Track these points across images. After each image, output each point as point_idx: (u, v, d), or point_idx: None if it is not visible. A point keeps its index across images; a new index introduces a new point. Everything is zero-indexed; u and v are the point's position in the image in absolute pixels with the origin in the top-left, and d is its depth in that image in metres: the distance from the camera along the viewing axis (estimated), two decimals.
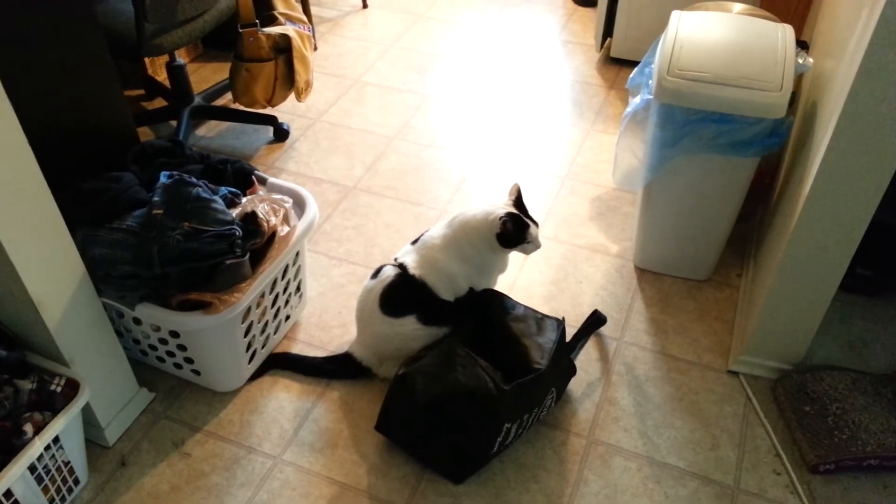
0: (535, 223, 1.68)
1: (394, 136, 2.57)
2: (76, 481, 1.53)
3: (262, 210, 1.57)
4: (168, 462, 1.61)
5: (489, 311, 1.69)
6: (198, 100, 2.50)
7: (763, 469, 1.62)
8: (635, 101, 1.87)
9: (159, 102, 2.64)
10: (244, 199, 1.67)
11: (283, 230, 1.59)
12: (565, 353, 1.71)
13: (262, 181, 1.80)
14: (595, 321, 1.87)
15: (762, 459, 1.63)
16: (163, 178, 1.58)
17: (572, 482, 1.59)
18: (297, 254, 1.75)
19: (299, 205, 1.75)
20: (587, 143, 2.55)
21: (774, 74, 1.64)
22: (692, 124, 1.70)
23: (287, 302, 1.79)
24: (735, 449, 1.65)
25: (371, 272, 1.75)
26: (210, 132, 2.58)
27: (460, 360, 1.54)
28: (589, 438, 1.67)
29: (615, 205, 2.29)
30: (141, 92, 2.70)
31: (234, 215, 1.55)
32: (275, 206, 1.61)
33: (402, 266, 1.69)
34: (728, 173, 1.78)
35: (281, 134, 2.51)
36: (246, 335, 1.65)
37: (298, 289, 1.83)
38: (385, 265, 1.73)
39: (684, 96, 1.68)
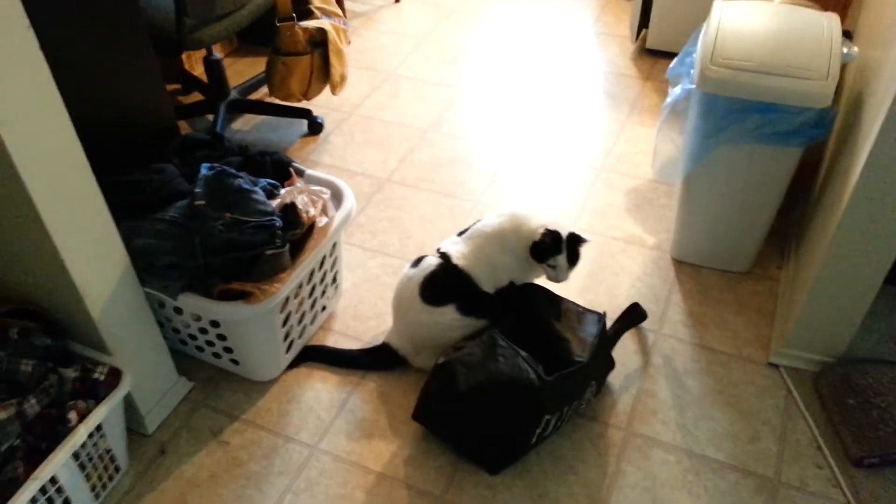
0: (571, 261, 1.65)
1: (427, 128, 2.57)
2: (117, 469, 1.55)
3: (301, 201, 1.58)
4: (207, 450, 1.63)
5: (530, 305, 1.68)
6: (234, 94, 2.52)
7: (804, 462, 1.59)
8: (675, 91, 1.84)
9: (195, 97, 2.67)
10: (283, 191, 1.68)
11: (321, 221, 1.60)
12: (606, 347, 1.70)
13: (300, 173, 1.81)
14: (635, 316, 1.85)
15: (803, 453, 1.61)
16: (203, 169, 1.60)
17: (610, 474, 1.58)
18: (334, 245, 1.76)
19: (336, 196, 1.76)
20: (623, 135, 2.52)
21: (820, 63, 1.61)
22: (735, 114, 1.67)
23: (324, 293, 1.80)
24: (776, 442, 1.63)
25: (408, 263, 1.75)
26: (245, 126, 2.60)
27: (502, 350, 1.53)
28: (627, 430, 1.66)
29: (651, 196, 2.27)
30: (178, 87, 2.73)
31: (273, 206, 1.56)
32: (314, 197, 1.62)
33: (444, 255, 1.69)
34: (771, 164, 1.75)
35: (315, 127, 2.53)
36: (284, 325, 1.66)
37: (335, 280, 1.84)
38: (426, 255, 1.73)
39: (728, 85, 1.65)
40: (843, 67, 1.74)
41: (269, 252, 1.49)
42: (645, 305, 1.91)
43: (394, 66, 2.89)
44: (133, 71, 1.67)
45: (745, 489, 1.54)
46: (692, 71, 1.73)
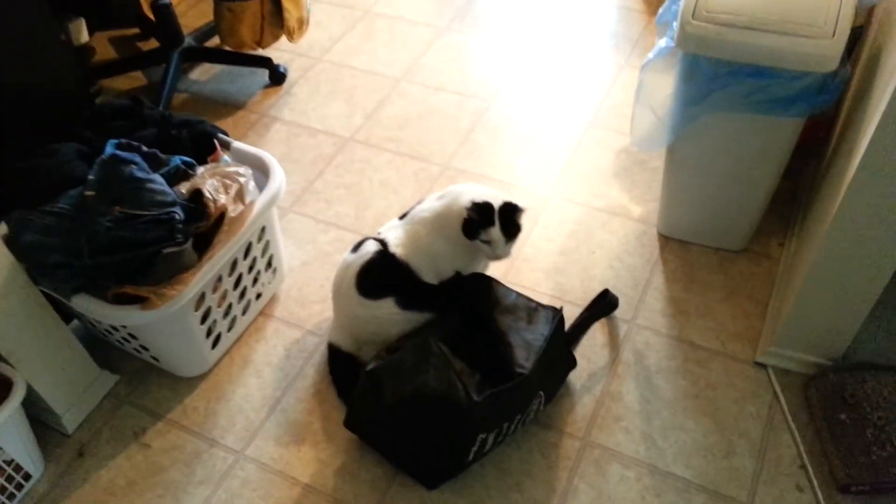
0: (508, 233, 1.43)
1: (401, 77, 2.32)
2: (26, 476, 1.45)
3: (210, 187, 1.39)
4: (127, 454, 1.51)
5: (475, 300, 1.49)
6: (189, 41, 2.30)
7: (784, 483, 1.40)
8: (659, 44, 1.57)
9: (154, 43, 2.45)
10: (200, 170, 1.48)
11: (235, 209, 1.41)
12: (562, 347, 1.50)
13: (226, 146, 1.61)
14: (604, 305, 1.64)
15: (784, 472, 1.41)
16: (109, 148, 1.41)
17: (559, 492, 1.41)
18: (264, 229, 1.58)
19: (264, 172, 1.56)
20: (619, 81, 2.24)
21: (826, 17, 1.32)
22: (722, 78, 1.41)
23: (256, 280, 1.63)
24: (754, 458, 1.43)
25: (354, 243, 1.57)
26: (203, 76, 2.38)
27: (434, 360, 1.35)
28: (584, 440, 1.48)
29: (643, 158, 2.01)
30: (136, 31, 2.51)
31: (177, 195, 1.37)
32: (227, 180, 1.43)
33: (383, 242, 1.50)
34: (766, 135, 1.49)
35: (277, 77, 2.30)
36: (204, 321, 1.50)
37: (270, 264, 1.67)
38: (368, 238, 1.54)
39: (712, 45, 1.38)
40: (869, 12, 1.45)
41: (167, 251, 1.31)
42: (622, 289, 1.70)
43: (370, 3, 2.61)
44: (24, 35, 1.47)
45: None
46: (674, 24, 1.45)
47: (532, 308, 1.49)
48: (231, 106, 2.25)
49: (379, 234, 1.54)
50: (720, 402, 1.52)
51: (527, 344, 1.40)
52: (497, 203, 1.43)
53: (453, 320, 1.47)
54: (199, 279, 1.35)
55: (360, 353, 1.58)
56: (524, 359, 1.37)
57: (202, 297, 1.45)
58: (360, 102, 2.24)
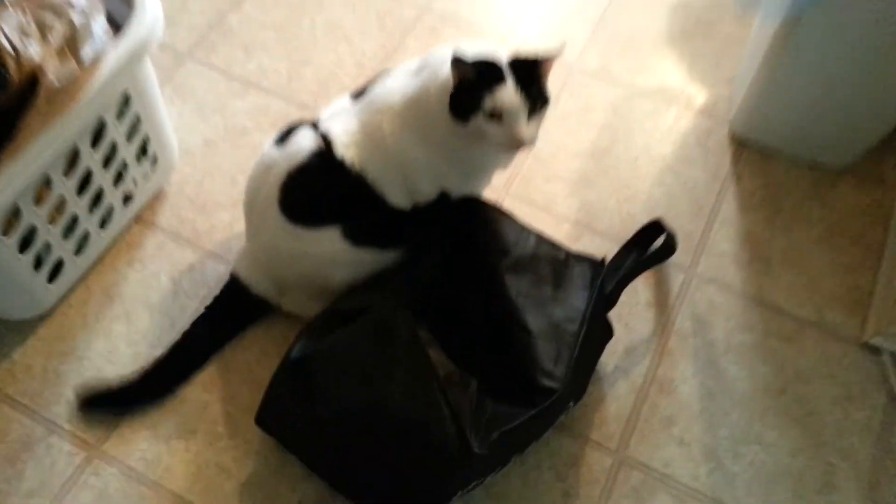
0: (533, 99, 0.84)
1: None
2: None
3: (10, 31, 0.75)
4: None
5: (470, 243, 0.93)
6: None
7: None
8: None
9: None
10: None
11: (60, 71, 0.78)
12: (600, 318, 0.97)
13: None
14: (658, 251, 1.09)
15: None
16: None
17: None
18: (129, 98, 0.95)
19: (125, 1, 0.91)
20: None
21: None
22: None
23: (121, 177, 1.03)
24: (862, 489, 0.98)
25: (280, 129, 0.97)
26: None
27: (404, 354, 0.81)
28: (619, 455, 0.99)
29: (710, 19, 1.40)
30: None
31: None
32: (45, 15, 0.78)
33: (325, 137, 0.91)
34: None
35: None
36: (27, 247, 0.91)
37: (145, 150, 1.06)
38: (302, 125, 0.95)
39: None
40: None
41: None
42: (677, 220, 1.17)
43: None
44: None
45: None
46: None
47: (560, 260, 0.94)
48: None
49: (320, 120, 0.94)
50: (815, 403, 1.04)
51: (555, 331, 0.86)
52: (503, 57, 0.84)
53: (435, 272, 0.92)
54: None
55: (280, 301, 1.03)
56: (552, 359, 0.84)
57: (16, 212, 0.85)
58: None
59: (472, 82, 0.82)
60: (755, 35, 1.23)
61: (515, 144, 0.84)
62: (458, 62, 0.81)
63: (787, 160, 1.24)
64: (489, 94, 0.82)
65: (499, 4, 1.40)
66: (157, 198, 1.15)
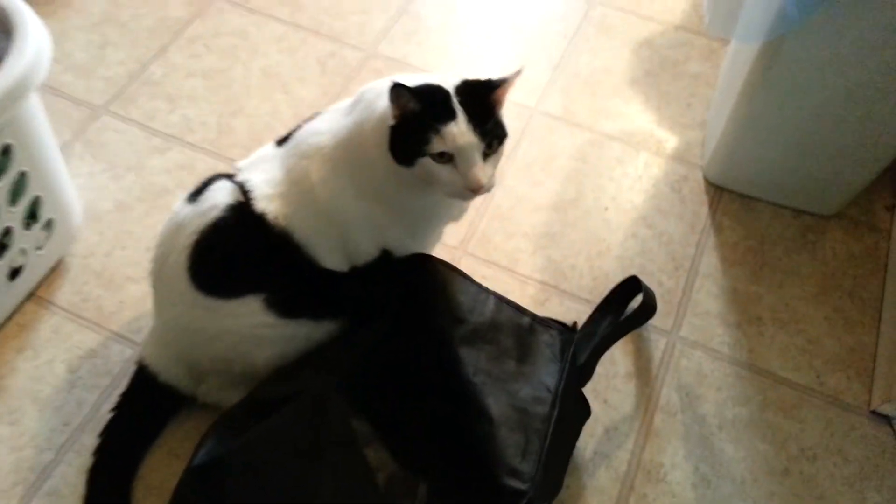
0: (485, 133, 0.70)
1: None
2: None
3: None
4: None
5: (420, 313, 0.79)
6: None
7: None
8: None
9: None
10: None
11: None
12: (577, 397, 0.83)
13: None
14: (636, 313, 0.95)
15: None
16: None
17: None
18: (8, 148, 0.80)
19: (4, 30, 0.78)
20: None
21: None
22: None
23: (3, 247, 0.87)
24: None
25: (200, 181, 0.83)
26: None
27: (339, 455, 0.66)
28: None
29: (675, 58, 1.31)
30: None
31: None
32: None
33: (244, 189, 0.76)
34: None
35: None
36: None
37: (35, 215, 0.90)
38: (219, 177, 0.81)
39: None
40: None
41: None
42: (655, 275, 1.04)
43: None
44: None
45: None
46: None
47: (524, 328, 0.80)
48: None
49: (238, 170, 0.80)
50: (825, 484, 0.90)
51: (521, 415, 0.72)
52: (450, 84, 0.71)
53: (376, 348, 0.77)
54: None
55: (197, 391, 0.86)
56: (518, 452, 0.69)
57: None
58: None
59: (416, 116, 0.69)
60: (727, 69, 1.13)
61: (471, 189, 0.71)
62: (398, 91, 0.68)
63: (767, 205, 1.13)
64: (437, 132, 0.69)
65: (450, 47, 1.29)
66: (54, 271, 0.99)
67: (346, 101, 0.80)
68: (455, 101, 0.70)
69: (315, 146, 0.76)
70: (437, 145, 0.69)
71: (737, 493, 0.88)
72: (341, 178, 0.76)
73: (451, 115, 0.69)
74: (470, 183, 0.70)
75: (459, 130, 0.69)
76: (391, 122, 0.70)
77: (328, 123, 0.78)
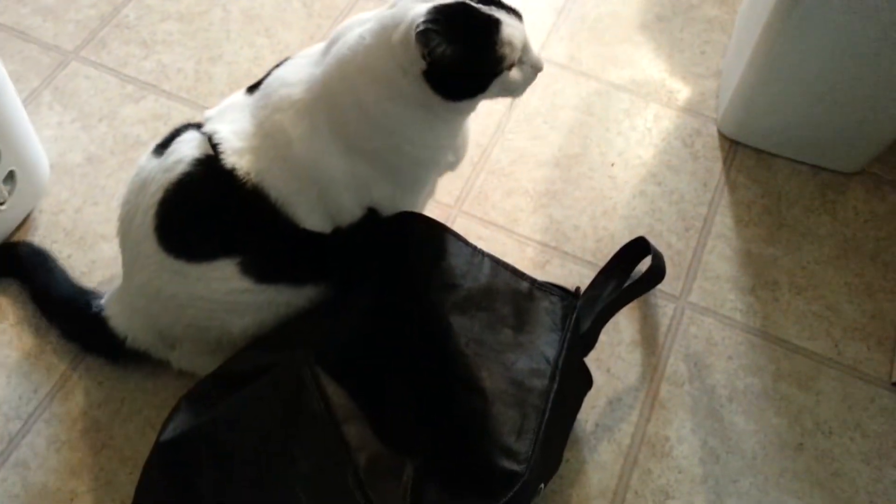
0: (517, 14, 0.67)
1: None
2: None
3: None
4: None
5: (409, 278, 0.72)
6: None
7: None
8: None
9: None
10: None
11: None
12: (579, 366, 0.77)
13: None
14: (643, 277, 0.88)
15: None
16: None
17: None
18: None
19: None
20: None
21: None
22: None
23: None
24: None
25: (168, 133, 0.76)
26: None
27: (315, 432, 0.60)
28: None
29: (690, 1, 1.22)
30: None
31: None
32: None
33: (212, 142, 0.69)
34: None
35: None
36: None
37: None
38: (188, 126, 0.74)
39: None
40: None
41: None
42: (664, 236, 0.97)
43: None
44: None
45: None
46: None
47: (523, 293, 0.74)
48: None
49: (207, 119, 0.73)
50: (841, 460, 0.84)
51: (517, 390, 0.66)
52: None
53: (361, 317, 0.71)
54: None
55: (170, 353, 0.81)
56: (514, 431, 0.63)
57: None
58: None
59: (465, 47, 0.63)
60: (746, 12, 1.05)
61: (540, 69, 0.70)
62: (427, 35, 0.61)
63: (785, 161, 1.05)
64: (501, 45, 0.64)
65: None
66: (21, 228, 0.92)
67: (315, 47, 0.72)
68: (480, 7, 0.64)
69: (286, 98, 0.69)
70: (511, 57, 0.65)
71: (747, 468, 0.83)
72: (321, 133, 0.68)
73: (495, 23, 0.64)
74: (539, 64, 0.69)
75: (515, 29, 0.66)
76: (422, 66, 0.63)
77: (298, 73, 0.70)
